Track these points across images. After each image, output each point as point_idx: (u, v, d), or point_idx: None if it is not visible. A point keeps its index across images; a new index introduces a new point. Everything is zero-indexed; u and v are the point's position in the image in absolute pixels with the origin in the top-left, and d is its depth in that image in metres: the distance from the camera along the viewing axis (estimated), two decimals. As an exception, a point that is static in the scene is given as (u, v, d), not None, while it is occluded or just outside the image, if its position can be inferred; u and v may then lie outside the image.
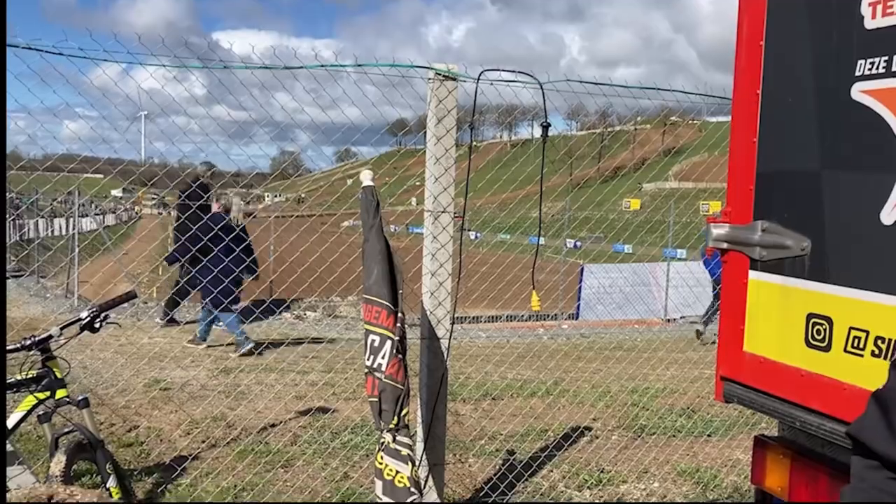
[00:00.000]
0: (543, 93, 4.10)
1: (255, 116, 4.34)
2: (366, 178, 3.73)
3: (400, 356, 3.46)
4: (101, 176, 6.56)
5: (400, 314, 3.50)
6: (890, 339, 1.91)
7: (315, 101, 4.45)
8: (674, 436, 6.24)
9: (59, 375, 3.19)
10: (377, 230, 3.64)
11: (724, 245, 2.44)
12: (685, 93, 4.61)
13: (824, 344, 2.11)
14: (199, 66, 3.80)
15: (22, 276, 13.57)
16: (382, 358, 3.46)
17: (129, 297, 3.38)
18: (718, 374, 2.51)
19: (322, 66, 3.81)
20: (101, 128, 4.48)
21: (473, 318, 15.56)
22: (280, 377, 7.68)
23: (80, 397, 3.25)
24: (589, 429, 6.33)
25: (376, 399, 3.43)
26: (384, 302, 3.51)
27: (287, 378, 7.64)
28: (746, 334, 2.38)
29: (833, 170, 2.08)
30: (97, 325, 3.19)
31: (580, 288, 15.31)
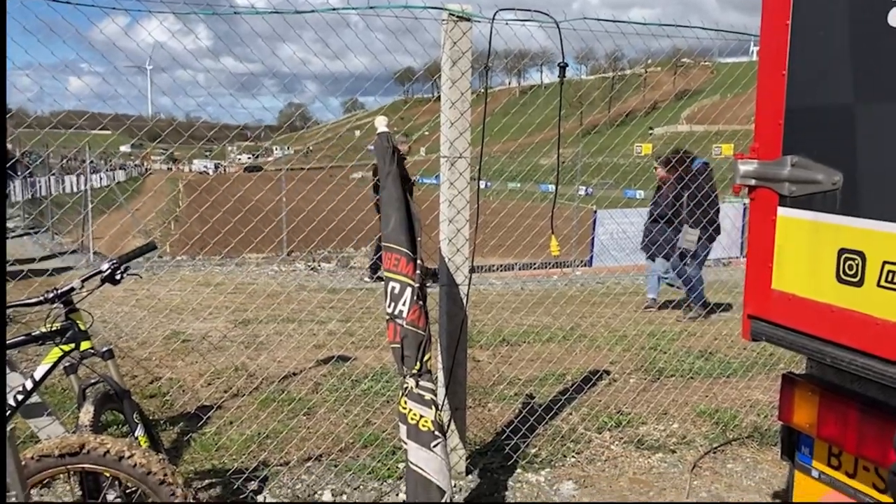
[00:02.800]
0: (560, 33, 4.01)
1: (260, 68, 4.25)
2: (380, 123, 3.67)
3: (420, 303, 3.45)
4: (108, 132, 6.53)
5: (419, 261, 3.49)
6: (926, 273, 1.88)
7: (322, 50, 4.36)
8: (692, 378, 6.26)
9: (82, 328, 3.21)
10: (394, 177, 3.60)
11: (752, 182, 2.39)
12: (706, 29, 4.50)
13: (856, 279, 2.08)
14: (207, 13, 3.72)
15: (37, 232, 13.65)
16: (403, 305, 3.46)
17: (149, 247, 3.38)
18: (745, 312, 2.48)
19: (334, 9, 3.73)
20: (107, 83, 4.43)
21: (488, 267, 15.58)
22: (298, 327, 7.74)
23: (104, 349, 3.27)
24: (607, 372, 6.36)
25: (398, 345, 3.44)
26: (403, 249, 3.50)
27: (305, 328, 7.70)
28: (775, 272, 2.34)
29: (868, 101, 2.02)
30: (118, 277, 3.19)
31: (593, 234, 15.26)
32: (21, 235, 14.48)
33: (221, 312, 8.44)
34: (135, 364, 6.21)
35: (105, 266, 3.19)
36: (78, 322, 3.21)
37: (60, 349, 3.16)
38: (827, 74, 2.14)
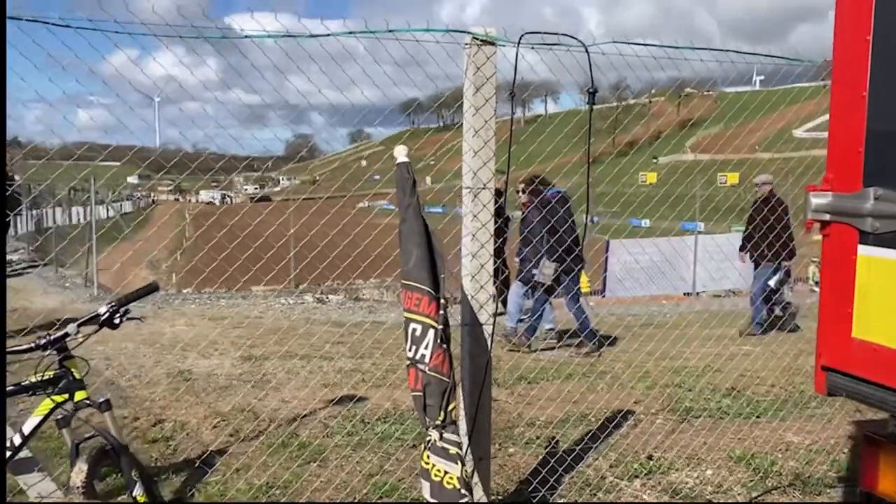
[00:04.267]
0: (589, 56, 3.78)
1: (268, 100, 4.08)
2: (400, 153, 3.43)
3: (444, 346, 3.19)
4: (115, 163, 6.36)
5: (442, 300, 3.23)
6: None
7: (329, 82, 4.20)
8: (721, 418, 5.95)
9: (77, 376, 2.95)
10: (414, 209, 3.35)
11: (826, 216, 2.13)
12: (741, 53, 4.27)
13: (961, 329, 1.80)
14: (217, 37, 3.50)
15: (38, 266, 13.43)
16: (426, 348, 3.19)
17: (151, 289, 3.12)
18: (819, 363, 2.21)
19: (351, 33, 3.51)
20: (114, 114, 4.27)
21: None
22: (305, 363, 7.46)
23: (101, 399, 3.00)
24: (631, 412, 6.05)
25: (420, 393, 3.17)
26: (425, 287, 3.24)
27: (314, 364, 7.42)
28: (856, 319, 2.07)
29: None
30: (117, 321, 2.94)
31: (606, 263, 14.99)
32: (27, 268, 14.24)
33: (228, 349, 8.17)
34: (136, 406, 5.93)
35: (103, 309, 2.93)
36: (73, 370, 2.95)
37: (53, 400, 2.89)
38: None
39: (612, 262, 15.25)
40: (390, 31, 3.52)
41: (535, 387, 6.74)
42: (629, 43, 3.97)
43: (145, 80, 3.94)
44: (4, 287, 3.36)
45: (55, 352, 2.90)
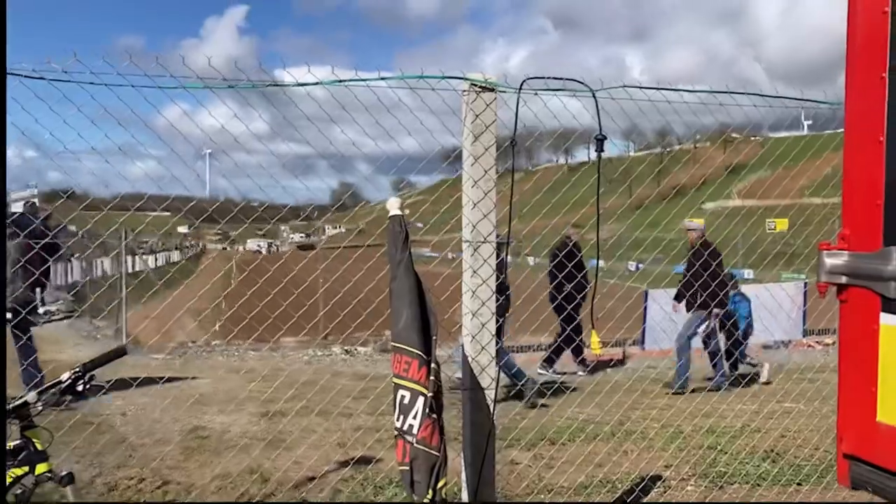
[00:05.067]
0: (597, 101, 3.56)
1: (315, 149, 4.04)
2: (392, 206, 3.24)
3: (434, 416, 2.94)
4: (168, 214, 6.34)
5: (434, 365, 2.99)
6: None
7: (372, 132, 4.13)
8: (758, 484, 5.53)
9: (39, 447, 2.75)
10: (406, 265, 3.14)
11: (843, 279, 1.85)
12: (760, 95, 4.02)
13: None
14: (269, 84, 3.41)
15: (73, 316, 13.53)
16: (414, 418, 2.94)
17: (119, 353, 2.94)
18: (841, 449, 1.90)
19: (340, 81, 3.35)
20: (165, 165, 4.30)
21: (535, 347, 14.91)
22: (323, 420, 7.21)
23: (63, 472, 2.80)
24: (659, 477, 5.66)
25: (407, 468, 2.91)
26: (415, 350, 3.01)
27: (331, 421, 7.17)
28: (881, 399, 1.77)
29: None
30: (80, 388, 2.75)
31: (645, 313, 14.48)
32: (62, 318, 14.37)
33: (247, 404, 7.97)
34: (146, 465, 5.74)
35: (65, 376, 2.75)
36: (35, 440, 2.75)
37: (11, 474, 2.70)
38: (946, 140, 1.62)
39: (653, 312, 14.73)
40: (382, 77, 3.36)
41: (563, 449, 6.37)
42: (640, 87, 3.75)
43: (198, 132, 4.00)
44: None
45: (16, 420, 2.72)
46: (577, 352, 11.31)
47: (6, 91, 2.75)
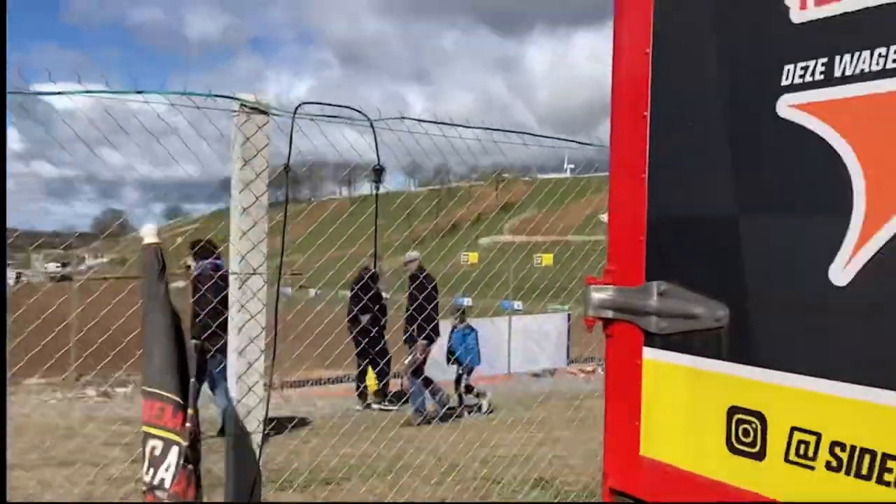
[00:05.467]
0: (374, 131, 3.48)
1: (77, 173, 3.51)
2: (147, 234, 2.90)
3: (190, 467, 2.62)
4: None
5: (191, 410, 2.68)
6: (853, 447, 1.37)
7: (145, 156, 3.70)
8: (529, 512, 5.67)
9: None
10: (162, 302, 2.82)
11: (609, 313, 1.86)
12: (552, 137, 4.21)
13: (755, 449, 1.54)
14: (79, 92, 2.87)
15: None
16: (166, 471, 2.62)
17: None
18: (607, 484, 1.90)
19: (88, 92, 2.97)
20: None
21: (314, 381, 14.55)
22: (67, 470, 6.40)
23: None
24: (436, 513, 5.62)
25: (157, 529, 2.57)
26: (169, 395, 2.69)
27: (75, 471, 6.38)
28: (643, 433, 1.79)
29: (757, 212, 1.55)
30: None
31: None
32: None
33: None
34: None
35: None
36: None
37: None
38: (701, 178, 1.67)
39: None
40: (139, 91, 3.03)
41: (335, 488, 6.15)
42: (419, 120, 3.72)
43: None
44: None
45: None
46: (385, 385, 11.21)
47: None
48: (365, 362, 10.84)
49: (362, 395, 11.01)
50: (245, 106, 3.22)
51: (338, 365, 11.28)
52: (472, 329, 11.62)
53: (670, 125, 1.74)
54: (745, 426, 1.56)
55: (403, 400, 10.15)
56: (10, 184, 3.72)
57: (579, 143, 5.16)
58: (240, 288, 3.24)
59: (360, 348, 10.05)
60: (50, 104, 3.32)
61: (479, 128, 4.40)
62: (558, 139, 5.17)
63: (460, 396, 10.82)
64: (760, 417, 1.53)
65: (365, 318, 10.13)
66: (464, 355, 10.89)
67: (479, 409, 10.55)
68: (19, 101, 3.01)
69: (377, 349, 10.36)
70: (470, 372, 11.07)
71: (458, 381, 10.92)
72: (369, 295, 9.66)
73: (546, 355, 16.25)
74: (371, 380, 10.79)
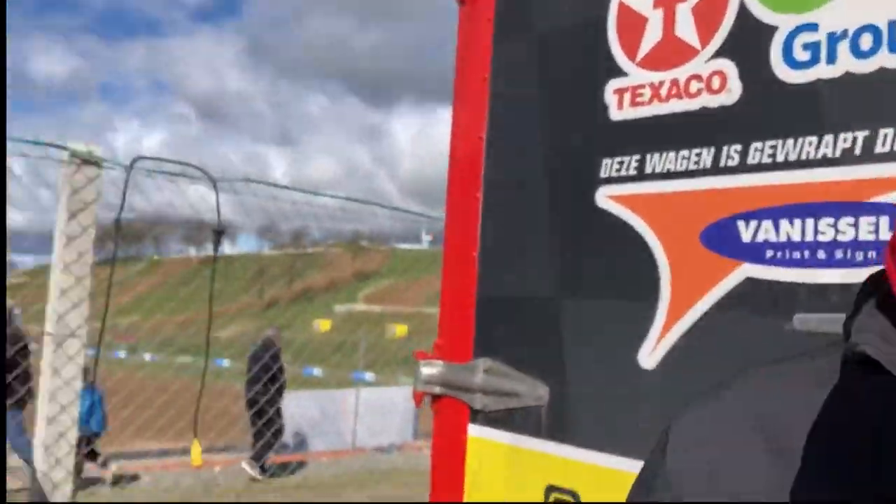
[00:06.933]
0: (217, 191, 3.37)
1: None
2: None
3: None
4: None
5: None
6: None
7: None
8: None
9: None
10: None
11: (437, 389, 1.86)
12: (412, 213, 4.21)
13: (569, 528, 1.57)
14: None
15: None
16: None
17: None
18: (429, 566, 1.86)
19: None
20: None
21: (138, 453, 13.57)
22: None
23: None
24: None
25: None
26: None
27: None
28: (466, 512, 1.77)
29: (575, 296, 1.62)
30: None
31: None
32: None
33: None
34: None
35: None
36: None
37: None
38: (526, 259, 1.73)
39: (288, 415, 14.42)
40: (-46, 132, 2.79)
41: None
42: (266, 183, 3.66)
43: None
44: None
45: None
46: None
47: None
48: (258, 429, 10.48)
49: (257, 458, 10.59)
50: (75, 156, 3.05)
51: (163, 436, 10.58)
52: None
53: (500, 207, 1.80)
54: (561, 505, 1.59)
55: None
56: None
57: (431, 217, 5.25)
58: (54, 351, 3.00)
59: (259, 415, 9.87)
60: None
61: (331, 195, 4.40)
62: (412, 213, 5.24)
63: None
64: (574, 496, 1.57)
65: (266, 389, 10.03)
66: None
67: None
68: None
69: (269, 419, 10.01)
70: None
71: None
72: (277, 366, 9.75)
73: (394, 429, 16.06)
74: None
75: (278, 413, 10.23)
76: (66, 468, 3.01)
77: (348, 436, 14.69)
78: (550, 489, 1.61)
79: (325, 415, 14.30)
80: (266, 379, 9.95)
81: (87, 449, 9.35)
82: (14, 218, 3.60)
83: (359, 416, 14.77)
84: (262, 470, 10.72)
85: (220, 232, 3.31)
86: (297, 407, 13.40)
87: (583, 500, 1.55)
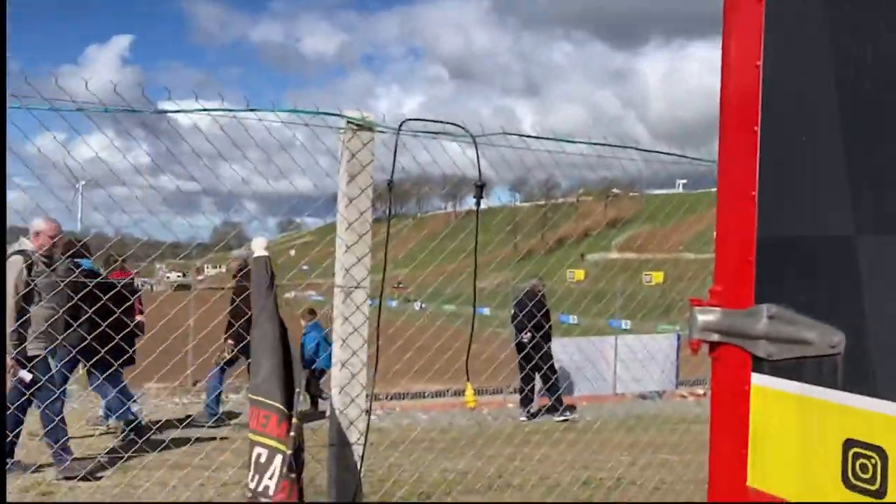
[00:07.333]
0: (477, 147, 3.48)
1: (200, 186, 3.81)
2: (257, 246, 3.02)
3: (293, 475, 2.69)
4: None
5: (295, 419, 2.75)
6: None
7: (263, 170, 3.93)
8: (631, 539, 5.50)
9: None
10: (270, 312, 2.91)
11: (715, 336, 1.78)
12: (666, 153, 4.10)
13: (875, 486, 1.44)
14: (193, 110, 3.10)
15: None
16: (270, 478, 2.69)
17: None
18: (711, 515, 1.82)
19: (205, 110, 3.12)
20: (38, 198, 3.96)
21: (415, 394, 14.71)
22: (181, 472, 6.70)
23: None
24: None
25: (261, 534, 2.65)
26: (275, 404, 2.77)
27: (189, 477, 6.66)
28: (751, 463, 1.70)
29: (878, 233, 1.45)
30: None
31: (526, 363, 14.57)
32: None
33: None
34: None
35: None
36: None
37: None
38: (816, 196, 1.58)
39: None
40: (251, 109, 3.16)
41: None
42: (520, 135, 3.71)
43: (72, 163, 3.65)
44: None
45: None
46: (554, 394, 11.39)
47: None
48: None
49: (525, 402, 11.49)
50: (351, 123, 3.31)
51: (439, 379, 11.34)
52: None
53: (782, 142, 1.66)
54: (863, 461, 1.46)
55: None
56: (139, 194, 3.98)
57: (689, 157, 4.99)
58: (343, 301, 3.32)
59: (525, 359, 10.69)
60: (177, 121, 3.53)
61: (583, 142, 4.34)
62: (667, 154, 5.01)
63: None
64: (880, 452, 1.43)
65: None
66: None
67: None
68: (142, 119, 3.22)
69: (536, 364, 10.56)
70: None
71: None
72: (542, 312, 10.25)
73: (653, 377, 15.74)
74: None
75: (545, 358, 10.50)
76: (359, 406, 3.34)
77: (609, 382, 14.66)
78: (850, 444, 1.49)
79: (587, 360, 14.39)
80: (531, 325, 10.32)
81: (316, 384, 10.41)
82: (302, 184, 4.00)
83: (618, 362, 14.67)
84: (531, 414, 11.21)
85: (481, 186, 3.42)
86: (561, 353, 13.64)
87: (891, 457, 1.41)
